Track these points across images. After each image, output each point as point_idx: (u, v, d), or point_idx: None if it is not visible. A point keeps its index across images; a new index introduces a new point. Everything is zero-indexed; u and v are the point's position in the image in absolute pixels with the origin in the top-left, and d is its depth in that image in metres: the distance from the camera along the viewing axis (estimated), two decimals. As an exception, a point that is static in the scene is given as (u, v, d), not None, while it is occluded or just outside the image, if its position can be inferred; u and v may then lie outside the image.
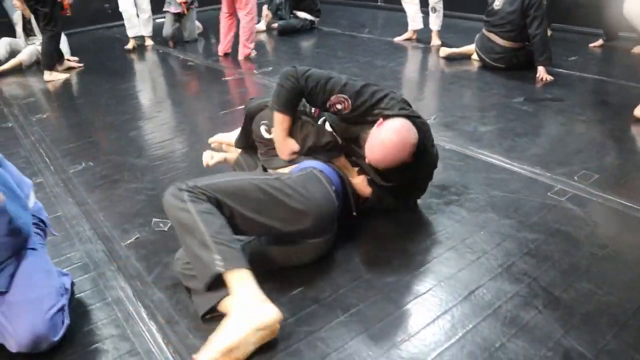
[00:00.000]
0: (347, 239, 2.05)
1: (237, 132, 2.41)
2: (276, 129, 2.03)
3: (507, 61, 4.16)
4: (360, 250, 2.01)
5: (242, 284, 1.52)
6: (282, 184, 1.76)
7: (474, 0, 6.22)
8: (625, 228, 2.08)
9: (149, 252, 2.09)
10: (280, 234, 1.79)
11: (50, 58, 4.88)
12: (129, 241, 2.17)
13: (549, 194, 2.33)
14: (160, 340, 1.62)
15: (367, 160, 1.92)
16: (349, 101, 1.93)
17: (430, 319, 1.65)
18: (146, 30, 5.99)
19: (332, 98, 1.93)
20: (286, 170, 2.01)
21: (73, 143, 3.32)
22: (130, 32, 5.88)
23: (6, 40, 5.42)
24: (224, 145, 2.54)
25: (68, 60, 5.30)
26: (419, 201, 2.30)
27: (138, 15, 5.86)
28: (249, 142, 2.32)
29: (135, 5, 5.79)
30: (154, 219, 2.31)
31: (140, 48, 5.99)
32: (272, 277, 1.83)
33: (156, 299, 1.81)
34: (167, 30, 5.87)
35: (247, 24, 5.04)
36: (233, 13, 5.14)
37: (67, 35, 5.84)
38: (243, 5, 4.97)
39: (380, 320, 1.64)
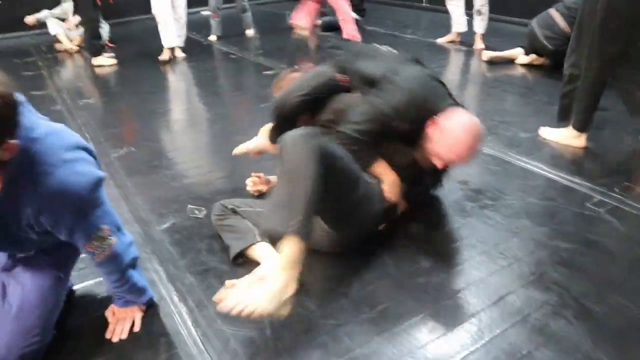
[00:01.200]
0: (378, 237, 2.05)
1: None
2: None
3: (557, 45, 4.03)
4: (391, 249, 2.01)
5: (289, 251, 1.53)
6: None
7: (520, 4, 6.12)
8: (665, 244, 2.02)
9: (183, 237, 2.14)
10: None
11: (91, 45, 5.08)
12: (164, 226, 2.23)
13: (587, 204, 2.28)
14: (189, 323, 1.67)
15: (444, 162, 1.90)
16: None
17: (458, 321, 1.64)
18: (180, 40, 5.24)
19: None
20: None
21: (116, 128, 3.42)
22: (166, 42, 5.10)
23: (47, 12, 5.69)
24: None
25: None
26: (453, 204, 2.29)
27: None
28: None
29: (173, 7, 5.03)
30: (189, 206, 2.36)
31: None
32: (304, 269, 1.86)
33: (187, 283, 1.85)
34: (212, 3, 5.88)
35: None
36: None
37: (117, 23, 6.04)
38: None
39: (407, 320, 1.65)
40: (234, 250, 1.91)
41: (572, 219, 2.18)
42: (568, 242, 2.02)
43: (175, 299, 1.78)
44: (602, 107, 3.47)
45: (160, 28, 5.03)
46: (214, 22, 6.02)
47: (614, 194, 2.35)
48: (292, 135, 1.61)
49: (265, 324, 1.63)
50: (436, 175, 2.15)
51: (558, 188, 2.42)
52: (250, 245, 1.88)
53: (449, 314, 1.68)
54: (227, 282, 1.76)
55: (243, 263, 1.91)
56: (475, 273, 1.85)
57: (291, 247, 1.51)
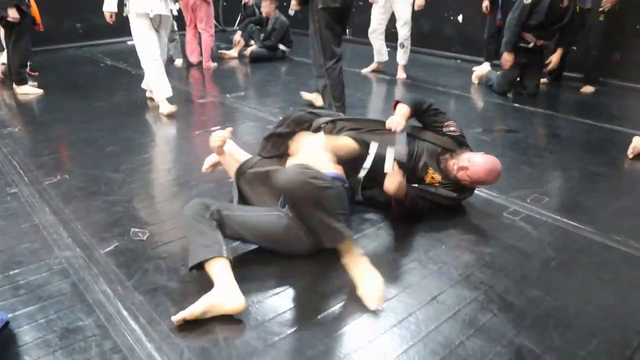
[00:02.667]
0: (321, 250, 2.19)
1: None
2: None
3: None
4: (331, 260, 2.13)
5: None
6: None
7: (441, 38, 6.62)
8: (569, 243, 2.29)
9: (128, 259, 2.16)
10: None
11: (18, 73, 4.93)
12: (108, 249, 2.23)
13: (504, 214, 2.54)
14: (143, 338, 1.70)
15: (476, 183, 2.45)
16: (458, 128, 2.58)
17: (397, 320, 1.79)
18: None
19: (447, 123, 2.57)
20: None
21: (47, 156, 3.35)
22: (161, 93, 4.28)
23: None
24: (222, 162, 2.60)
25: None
26: (388, 219, 2.48)
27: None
28: (279, 150, 2.46)
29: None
30: (132, 229, 2.38)
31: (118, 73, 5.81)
32: (254, 280, 1.95)
33: (137, 301, 1.88)
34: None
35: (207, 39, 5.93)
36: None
37: (37, 52, 5.86)
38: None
39: (353, 320, 1.78)
40: (193, 259, 1.87)
41: (492, 227, 2.43)
42: (490, 246, 2.25)
43: (126, 317, 1.80)
44: (512, 129, 3.85)
45: (152, 79, 4.30)
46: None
47: (526, 204, 2.63)
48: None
49: (218, 333, 1.70)
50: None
51: (478, 201, 2.67)
52: (212, 258, 1.84)
53: (389, 315, 1.82)
54: (174, 318, 1.74)
55: (195, 279, 1.96)
56: (410, 278, 2.02)
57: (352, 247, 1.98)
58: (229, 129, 2.53)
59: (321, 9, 3.65)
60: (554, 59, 4.66)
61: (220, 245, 1.87)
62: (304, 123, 2.49)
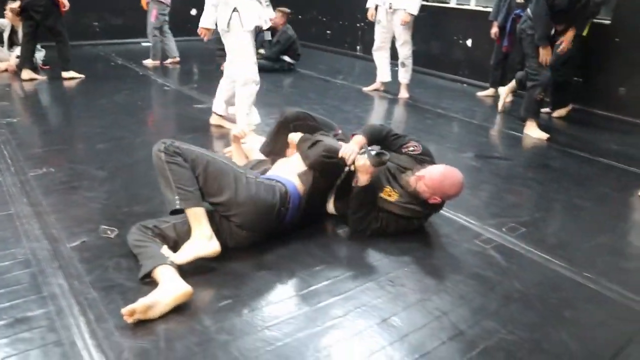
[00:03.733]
0: (278, 260, 2.20)
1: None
2: None
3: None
4: (289, 272, 2.14)
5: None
6: (242, 176, 2.22)
7: (449, 61, 6.62)
8: (537, 276, 2.26)
9: (92, 255, 2.18)
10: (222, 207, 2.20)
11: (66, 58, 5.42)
12: (74, 243, 2.26)
13: (476, 240, 2.51)
14: (86, 335, 1.71)
15: (435, 194, 2.35)
16: (420, 146, 2.56)
17: (344, 339, 1.78)
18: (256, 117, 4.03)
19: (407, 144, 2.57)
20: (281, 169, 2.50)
21: (38, 149, 3.41)
22: (252, 119, 3.87)
23: None
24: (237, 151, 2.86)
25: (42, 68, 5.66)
26: (352, 236, 2.48)
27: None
28: (275, 149, 2.76)
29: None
30: (101, 226, 2.40)
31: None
32: (204, 289, 1.95)
33: (90, 297, 1.90)
34: None
35: None
36: None
37: (52, 47, 5.98)
38: None
39: (296, 335, 1.77)
40: (142, 271, 1.99)
41: (461, 253, 2.41)
42: (454, 273, 2.23)
43: (76, 311, 1.82)
44: (505, 157, 3.83)
45: (247, 103, 3.76)
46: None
47: (500, 233, 2.60)
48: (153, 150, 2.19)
49: (161, 336, 1.70)
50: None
51: (452, 225, 2.65)
52: (156, 266, 1.96)
53: (335, 331, 1.81)
54: (123, 310, 1.77)
55: (149, 282, 1.97)
56: (364, 297, 2.01)
57: (189, 214, 2.10)
58: (252, 128, 2.65)
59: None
60: (566, 39, 4.21)
61: (163, 255, 2.03)
62: (296, 121, 2.73)
